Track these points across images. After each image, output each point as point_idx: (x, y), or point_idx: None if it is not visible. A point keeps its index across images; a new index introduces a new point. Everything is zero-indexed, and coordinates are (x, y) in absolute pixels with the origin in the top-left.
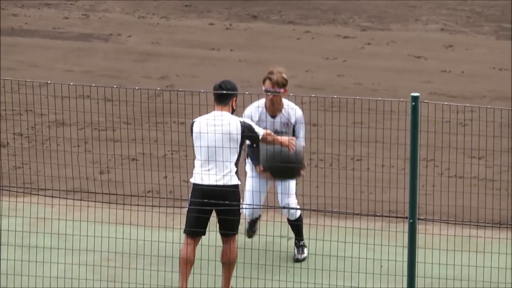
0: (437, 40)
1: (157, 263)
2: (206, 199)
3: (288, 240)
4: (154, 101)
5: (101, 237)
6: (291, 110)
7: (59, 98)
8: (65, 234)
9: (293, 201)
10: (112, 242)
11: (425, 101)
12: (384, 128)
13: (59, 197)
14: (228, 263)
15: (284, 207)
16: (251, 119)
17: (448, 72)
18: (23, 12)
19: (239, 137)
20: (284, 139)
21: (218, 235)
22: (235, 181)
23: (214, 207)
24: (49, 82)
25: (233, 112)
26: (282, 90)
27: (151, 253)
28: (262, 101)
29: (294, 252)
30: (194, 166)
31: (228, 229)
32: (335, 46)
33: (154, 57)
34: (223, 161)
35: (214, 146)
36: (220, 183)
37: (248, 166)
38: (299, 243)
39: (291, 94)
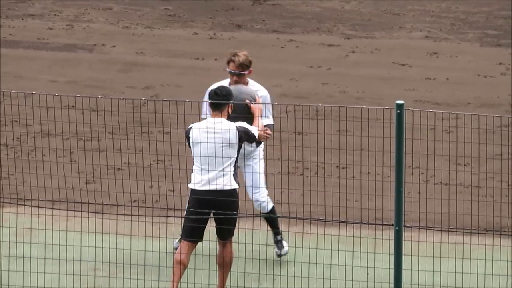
0: (421, 48)
1: (144, 272)
2: (204, 205)
3: (274, 248)
4: (139, 111)
5: (88, 246)
6: (255, 89)
7: (44, 108)
8: (52, 244)
9: (263, 194)
10: (98, 251)
11: (410, 108)
12: (369, 136)
13: (45, 207)
14: (223, 265)
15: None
16: None
17: (433, 80)
18: (7, 23)
19: (237, 144)
20: (261, 131)
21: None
22: (234, 185)
23: (212, 213)
24: (34, 92)
25: (228, 117)
26: (246, 72)
27: (137, 262)
28: (226, 81)
29: (275, 248)
30: (192, 171)
31: (225, 233)
32: (319, 54)
33: (139, 67)
34: (222, 167)
35: (213, 153)
36: (219, 188)
37: None
38: (277, 238)
39: (276, 103)
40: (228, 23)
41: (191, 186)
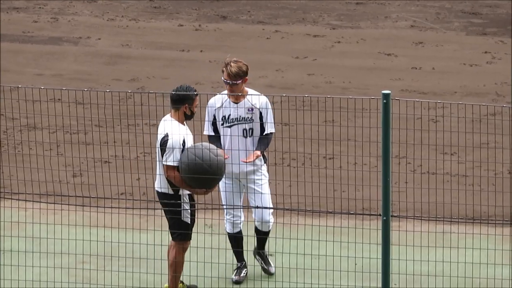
0: (407, 37)
1: (132, 265)
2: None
3: (261, 264)
4: (125, 104)
5: (75, 239)
6: (255, 96)
7: (30, 102)
8: (39, 238)
9: (271, 215)
10: (86, 244)
11: (396, 98)
12: (356, 126)
13: (33, 201)
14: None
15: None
16: (214, 107)
17: (419, 69)
18: None
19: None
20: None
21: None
22: (164, 190)
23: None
24: (19, 86)
25: (186, 118)
26: (239, 81)
27: (125, 255)
28: (224, 92)
29: (262, 265)
30: None
31: (171, 233)
32: (305, 45)
33: (124, 60)
34: (158, 170)
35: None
36: (157, 190)
37: None
38: (264, 254)
39: (261, 94)
40: (213, 15)
41: None
